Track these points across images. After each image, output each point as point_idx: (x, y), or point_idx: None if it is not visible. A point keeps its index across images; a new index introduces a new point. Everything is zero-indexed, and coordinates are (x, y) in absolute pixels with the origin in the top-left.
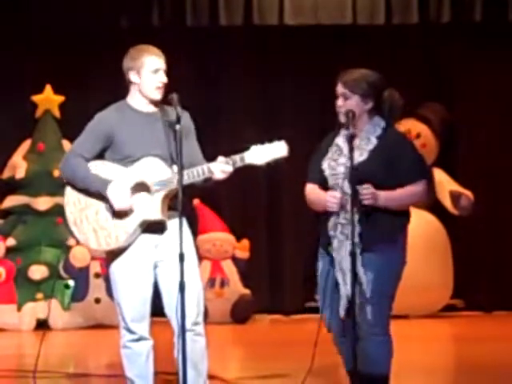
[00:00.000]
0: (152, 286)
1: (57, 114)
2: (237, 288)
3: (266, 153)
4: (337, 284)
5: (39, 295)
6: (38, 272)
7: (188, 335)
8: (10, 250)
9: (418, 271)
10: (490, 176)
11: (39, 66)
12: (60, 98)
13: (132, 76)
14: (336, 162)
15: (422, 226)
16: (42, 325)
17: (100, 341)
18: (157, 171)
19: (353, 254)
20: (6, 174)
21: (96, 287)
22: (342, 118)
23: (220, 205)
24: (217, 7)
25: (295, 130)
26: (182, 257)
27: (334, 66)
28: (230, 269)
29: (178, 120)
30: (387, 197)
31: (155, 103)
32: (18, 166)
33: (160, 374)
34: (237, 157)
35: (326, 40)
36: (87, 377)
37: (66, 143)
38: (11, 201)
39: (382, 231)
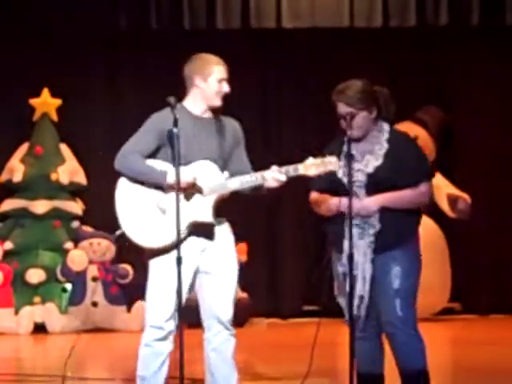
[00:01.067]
0: (189, 290)
1: (54, 117)
2: None
3: (318, 166)
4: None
5: (37, 299)
6: (35, 276)
7: (224, 334)
8: (7, 254)
9: None
10: (487, 179)
11: (37, 70)
12: (57, 102)
13: (198, 81)
14: (353, 170)
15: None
16: (40, 328)
17: (97, 344)
18: (210, 174)
19: (350, 256)
20: (4, 178)
21: (93, 291)
22: (355, 134)
23: None
24: (214, 10)
25: (293, 132)
26: (179, 260)
27: (331, 69)
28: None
29: (176, 123)
30: (385, 198)
31: (212, 110)
32: (16, 169)
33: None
34: (290, 167)
35: (323, 43)
36: (84, 380)
37: (63, 147)
38: (9, 204)
39: (400, 230)
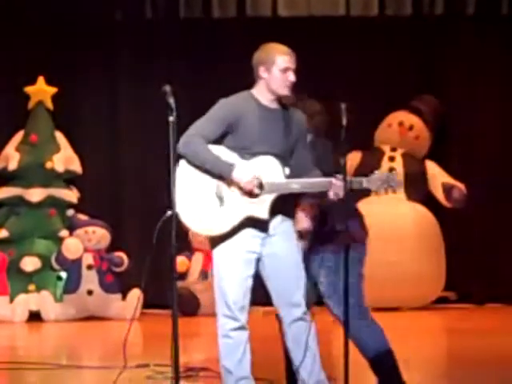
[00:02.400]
0: (253, 277)
1: (49, 105)
2: None
3: (383, 182)
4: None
5: (31, 287)
6: (30, 264)
7: (299, 324)
8: (2, 242)
9: (411, 263)
10: (482, 168)
11: (32, 58)
12: (53, 90)
13: (262, 71)
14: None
15: (414, 218)
16: (35, 316)
17: (92, 332)
18: (271, 171)
19: (346, 251)
20: None
21: (88, 279)
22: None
23: None
24: None
25: None
26: (173, 250)
27: (327, 58)
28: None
29: (171, 110)
30: None
31: (279, 100)
32: (11, 157)
33: (154, 365)
34: (355, 179)
35: (319, 32)
36: (80, 368)
37: (58, 134)
38: (4, 192)
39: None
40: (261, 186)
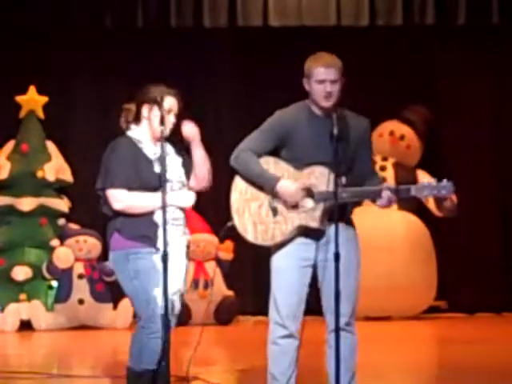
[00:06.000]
0: (308, 286)
1: (40, 114)
2: (220, 289)
3: (432, 189)
4: None
5: (23, 296)
6: (21, 273)
7: (340, 333)
8: None
9: (402, 272)
10: (473, 178)
11: (23, 67)
12: (44, 99)
13: (305, 84)
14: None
15: (405, 227)
16: (26, 325)
17: (83, 342)
18: (324, 181)
19: (336, 255)
20: None
21: (79, 288)
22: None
23: (204, 206)
24: (201, 9)
25: None
26: (165, 257)
27: None
28: (213, 270)
29: (162, 122)
30: None
31: (326, 110)
32: (2, 166)
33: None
34: (403, 187)
35: (310, 41)
36: (70, 378)
37: (49, 144)
38: None
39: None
40: (311, 195)
